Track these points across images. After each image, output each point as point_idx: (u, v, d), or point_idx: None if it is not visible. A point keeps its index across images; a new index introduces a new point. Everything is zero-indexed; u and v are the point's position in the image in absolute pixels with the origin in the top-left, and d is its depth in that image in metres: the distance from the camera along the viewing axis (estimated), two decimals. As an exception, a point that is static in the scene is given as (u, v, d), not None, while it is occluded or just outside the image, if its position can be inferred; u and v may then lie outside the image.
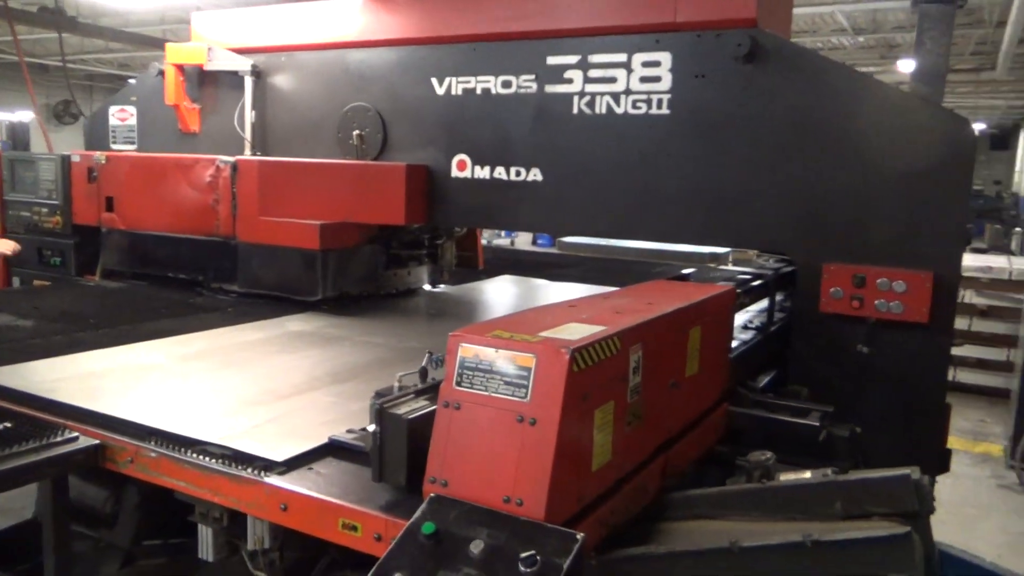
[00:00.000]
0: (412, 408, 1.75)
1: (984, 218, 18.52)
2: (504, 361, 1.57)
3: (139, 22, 15.36)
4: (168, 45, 4.48)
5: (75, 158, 4.59)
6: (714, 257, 8.40)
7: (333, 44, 4.05)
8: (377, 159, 3.97)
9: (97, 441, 2.05)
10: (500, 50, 3.60)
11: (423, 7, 3.80)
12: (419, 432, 1.71)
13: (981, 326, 7.47)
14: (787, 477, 2.07)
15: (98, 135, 4.99)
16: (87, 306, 3.68)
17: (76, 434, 2.06)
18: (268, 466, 1.88)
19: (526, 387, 1.54)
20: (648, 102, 3.30)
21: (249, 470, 1.87)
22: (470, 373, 1.60)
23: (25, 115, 22.92)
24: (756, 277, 3.14)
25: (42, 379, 2.47)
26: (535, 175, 3.57)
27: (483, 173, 3.70)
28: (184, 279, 4.22)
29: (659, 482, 2.06)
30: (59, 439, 2.02)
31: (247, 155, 4.25)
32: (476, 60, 3.66)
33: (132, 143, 4.84)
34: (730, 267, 3.96)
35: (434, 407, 1.75)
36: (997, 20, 12.01)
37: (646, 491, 1.97)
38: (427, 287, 4.64)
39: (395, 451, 1.71)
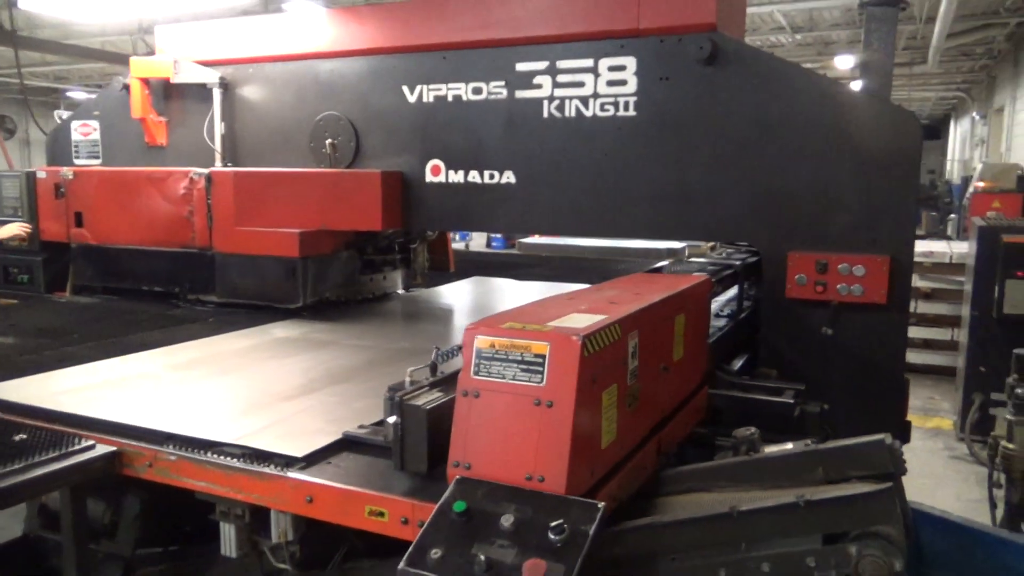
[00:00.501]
0: (429, 399, 1.86)
1: (920, 205, 19.24)
2: (519, 350, 1.69)
3: (79, 34, 15.05)
4: (132, 59, 4.49)
5: (41, 174, 4.57)
6: (671, 252, 8.65)
7: (302, 55, 4.12)
8: (350, 167, 4.05)
9: (114, 448, 2.11)
10: (470, 58, 3.72)
11: (393, 17, 3.89)
12: (437, 421, 1.82)
13: (926, 308, 7.84)
14: (771, 449, 2.23)
15: (60, 150, 4.96)
16: (66, 321, 3.69)
17: (92, 442, 2.11)
18: (289, 462, 1.96)
19: (541, 373, 1.67)
20: (615, 104, 3.45)
21: (271, 467, 1.96)
22: (487, 363, 1.72)
23: (-43, 132, 22.19)
24: (725, 267, 3.32)
25: (43, 393, 2.51)
26: (508, 177, 3.70)
27: (457, 177, 3.81)
28: (159, 291, 4.23)
29: (655, 460, 2.20)
30: (76, 448, 2.07)
31: (217, 166, 4.29)
32: (446, 68, 3.77)
33: (96, 157, 4.82)
34: (698, 259, 4.14)
35: (449, 397, 1.86)
36: (926, 16, 12.55)
37: (645, 468, 2.11)
38: (401, 291, 4.73)
39: (416, 440, 1.82)
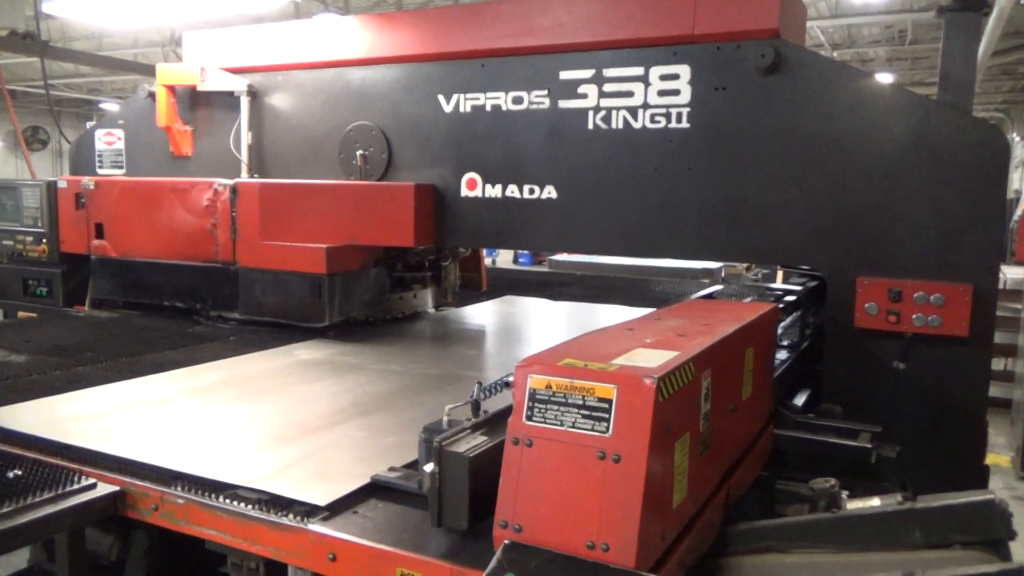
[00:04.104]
0: (472, 445, 1.62)
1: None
2: (581, 392, 1.45)
3: (112, 45, 15.15)
4: (159, 66, 4.34)
5: (61, 184, 4.42)
6: (707, 273, 8.37)
7: (334, 62, 3.93)
8: (381, 179, 3.85)
9: (117, 488, 1.89)
10: (510, 66, 3.51)
11: (429, 24, 3.70)
12: (481, 470, 1.58)
13: (978, 336, 7.47)
14: (855, 505, 1.97)
15: (83, 160, 4.82)
16: (82, 338, 3.50)
17: (93, 481, 1.89)
18: (310, 511, 1.73)
19: (607, 420, 1.42)
20: (667, 116, 3.21)
21: (290, 516, 1.72)
22: (542, 406, 1.47)
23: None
24: (786, 293, 3.06)
25: (49, 420, 2.30)
26: (549, 192, 3.47)
27: (494, 191, 3.59)
28: (180, 307, 4.05)
29: (722, 515, 1.94)
30: (76, 487, 1.85)
31: (244, 177, 4.11)
32: (485, 76, 3.57)
33: (120, 167, 4.68)
34: (755, 282, 3.87)
35: (495, 442, 1.63)
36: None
37: (713, 526, 1.86)
38: (430, 310, 4.51)
39: (456, 492, 1.58)
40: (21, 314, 4.55)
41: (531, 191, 3.51)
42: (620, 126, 3.30)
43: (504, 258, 18.55)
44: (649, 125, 3.25)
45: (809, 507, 2.02)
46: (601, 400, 1.43)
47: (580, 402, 1.45)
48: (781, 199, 3.04)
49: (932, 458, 2.87)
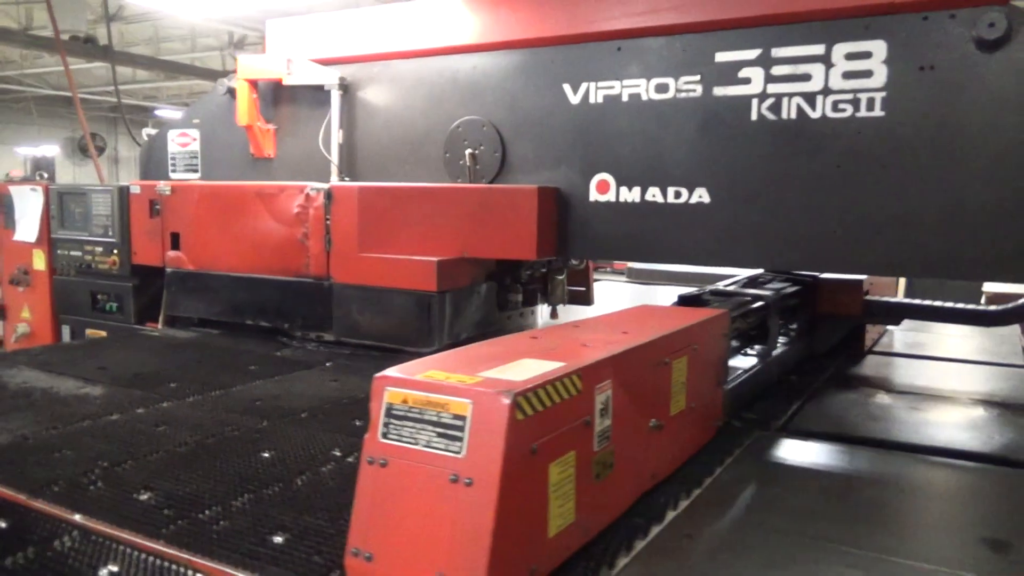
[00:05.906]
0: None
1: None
2: (436, 408, 1.30)
3: (169, 51, 15.02)
4: (240, 58, 3.92)
5: (134, 189, 4.02)
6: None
7: (439, 50, 3.47)
8: (493, 182, 3.37)
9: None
10: (653, 47, 2.99)
11: (552, 2, 3.20)
12: None
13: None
14: None
15: (154, 163, 4.44)
16: (162, 365, 3.06)
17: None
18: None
19: (461, 440, 1.28)
20: (855, 103, 2.67)
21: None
22: (398, 423, 1.34)
23: (50, 149, 22.68)
24: (755, 299, 2.76)
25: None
26: (700, 196, 2.94)
27: (631, 196, 3.08)
28: (265, 327, 3.61)
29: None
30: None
31: (334, 180, 3.66)
32: (621, 61, 3.06)
33: (195, 171, 4.28)
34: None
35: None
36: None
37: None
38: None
39: None
40: (90, 332, 4.17)
41: (677, 195, 2.99)
42: (793, 116, 2.76)
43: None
44: (831, 114, 2.70)
45: None
46: (456, 417, 1.29)
47: (435, 419, 1.31)
48: (1009, 203, 2.47)
49: None
